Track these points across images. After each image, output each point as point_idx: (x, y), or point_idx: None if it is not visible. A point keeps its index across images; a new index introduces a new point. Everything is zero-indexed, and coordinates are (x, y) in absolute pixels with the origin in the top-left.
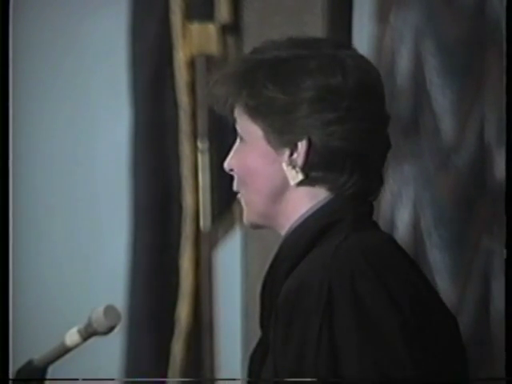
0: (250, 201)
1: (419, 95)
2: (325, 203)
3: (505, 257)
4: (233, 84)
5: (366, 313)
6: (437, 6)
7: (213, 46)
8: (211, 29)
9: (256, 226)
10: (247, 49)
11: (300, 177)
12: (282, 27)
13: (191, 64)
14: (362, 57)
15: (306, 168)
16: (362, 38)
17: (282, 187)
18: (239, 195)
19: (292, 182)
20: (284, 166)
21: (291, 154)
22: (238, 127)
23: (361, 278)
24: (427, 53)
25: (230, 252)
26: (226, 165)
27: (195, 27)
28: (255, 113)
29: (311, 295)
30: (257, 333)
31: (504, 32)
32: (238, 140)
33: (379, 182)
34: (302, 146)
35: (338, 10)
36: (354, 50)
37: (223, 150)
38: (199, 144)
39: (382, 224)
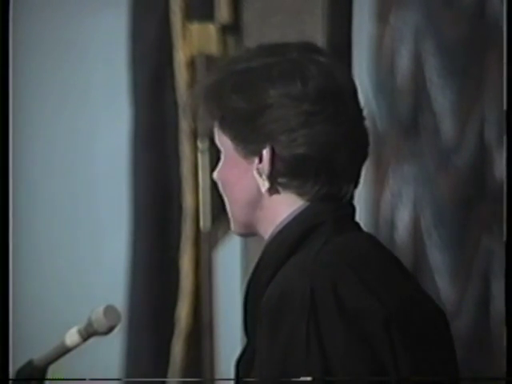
0: (232, 211)
1: (419, 95)
2: (303, 209)
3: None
4: (204, 98)
5: (351, 315)
6: (437, 6)
7: (213, 46)
8: (211, 29)
9: (243, 235)
10: None
11: (266, 184)
12: (281, 27)
13: (191, 64)
14: (329, 60)
15: (272, 175)
16: (362, 38)
17: (258, 195)
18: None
19: (262, 190)
20: (255, 174)
21: (260, 163)
22: (216, 140)
23: (342, 282)
24: (427, 53)
25: (230, 252)
26: (214, 178)
27: (195, 27)
28: (223, 124)
29: (294, 302)
30: None
31: (504, 32)
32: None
33: (351, 181)
34: (266, 153)
35: (338, 10)
36: (323, 53)
37: None
38: (199, 144)
39: (382, 224)
